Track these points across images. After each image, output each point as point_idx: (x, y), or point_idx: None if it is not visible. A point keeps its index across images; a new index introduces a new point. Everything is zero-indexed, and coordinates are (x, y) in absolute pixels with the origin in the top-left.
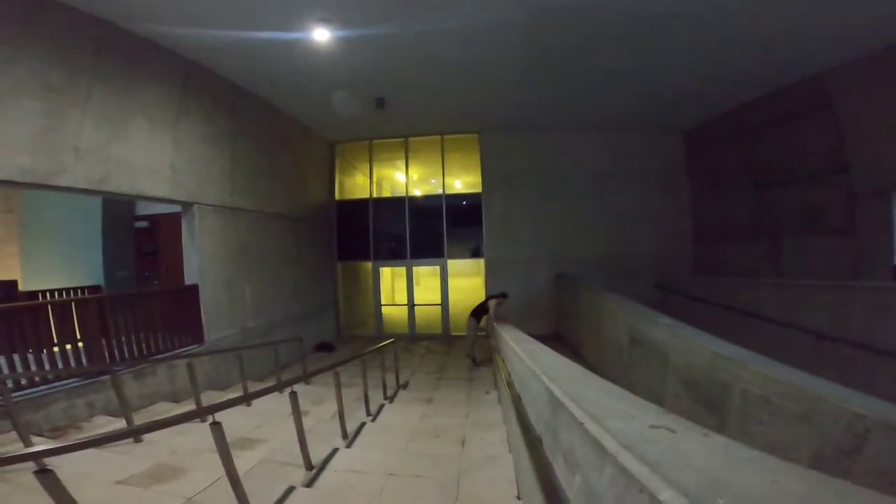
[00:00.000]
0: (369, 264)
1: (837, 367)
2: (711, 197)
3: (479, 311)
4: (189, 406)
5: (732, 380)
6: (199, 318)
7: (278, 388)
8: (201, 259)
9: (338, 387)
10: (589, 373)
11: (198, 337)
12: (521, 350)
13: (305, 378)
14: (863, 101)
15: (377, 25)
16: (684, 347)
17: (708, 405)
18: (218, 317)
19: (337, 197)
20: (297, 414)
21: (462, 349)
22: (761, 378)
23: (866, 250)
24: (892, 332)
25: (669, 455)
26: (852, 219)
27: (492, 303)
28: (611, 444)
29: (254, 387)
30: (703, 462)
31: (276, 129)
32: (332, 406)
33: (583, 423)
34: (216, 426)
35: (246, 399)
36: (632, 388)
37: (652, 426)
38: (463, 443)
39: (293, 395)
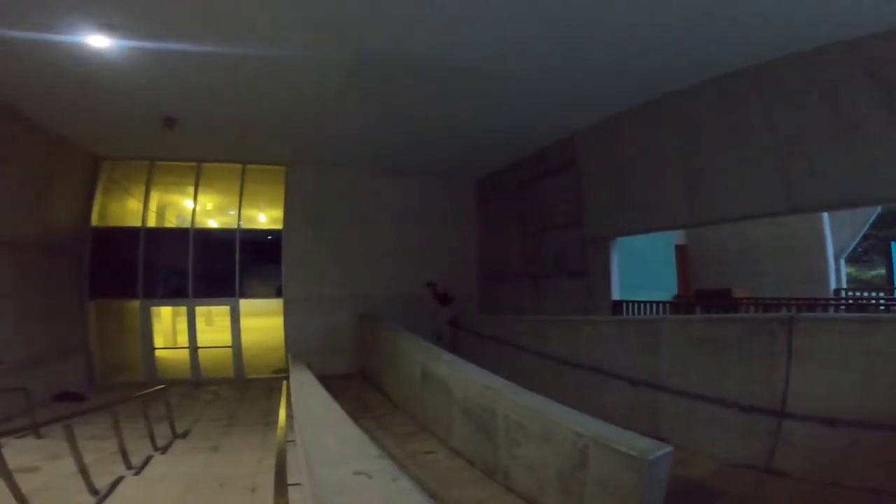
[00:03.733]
0: (137, 303)
1: (576, 387)
2: (494, 241)
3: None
4: None
5: (496, 408)
6: None
7: None
8: None
9: (70, 437)
10: (343, 418)
11: None
12: (296, 394)
13: (34, 430)
14: (592, 162)
15: (175, 41)
16: (461, 380)
17: (483, 431)
18: None
19: (95, 223)
20: (1, 465)
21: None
22: (514, 405)
23: (595, 289)
24: (606, 354)
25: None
26: (585, 263)
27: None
28: (308, 490)
29: None
30: None
31: (10, 134)
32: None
33: (301, 471)
34: None
35: None
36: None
37: (356, 472)
38: (254, 490)
39: None
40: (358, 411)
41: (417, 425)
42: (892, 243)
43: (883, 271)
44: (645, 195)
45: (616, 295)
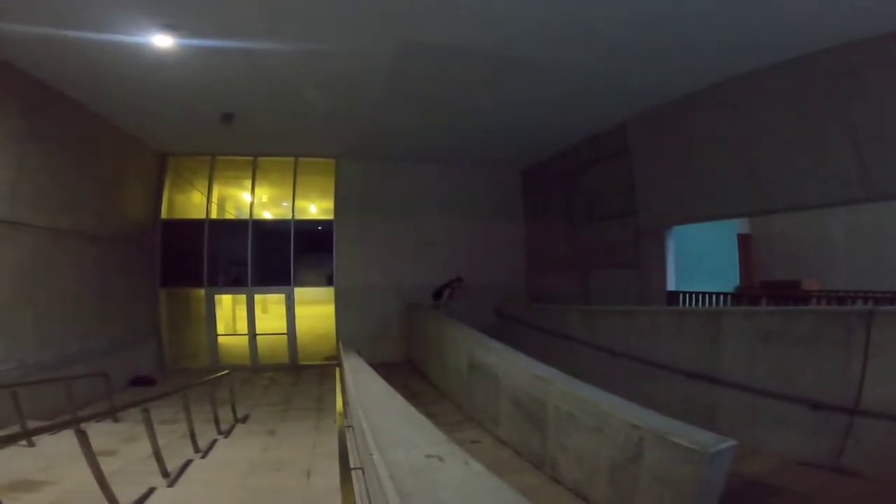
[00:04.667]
0: (202, 291)
1: (628, 379)
2: (540, 230)
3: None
4: None
5: (546, 398)
6: None
7: (67, 424)
8: None
9: (148, 421)
10: (403, 404)
11: None
12: (352, 380)
13: (112, 414)
14: (645, 149)
15: (231, 39)
16: (510, 370)
17: (532, 421)
18: None
19: (164, 216)
20: (87, 449)
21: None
22: (566, 395)
23: (647, 280)
24: (661, 346)
25: (424, 485)
26: (638, 253)
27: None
28: (383, 474)
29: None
30: (447, 493)
31: (90, 135)
32: (147, 444)
33: (372, 454)
34: None
35: (23, 436)
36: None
37: (428, 455)
38: (309, 475)
39: (81, 433)
40: (405, 399)
41: (464, 414)
42: None
43: None
44: (703, 182)
45: (672, 285)
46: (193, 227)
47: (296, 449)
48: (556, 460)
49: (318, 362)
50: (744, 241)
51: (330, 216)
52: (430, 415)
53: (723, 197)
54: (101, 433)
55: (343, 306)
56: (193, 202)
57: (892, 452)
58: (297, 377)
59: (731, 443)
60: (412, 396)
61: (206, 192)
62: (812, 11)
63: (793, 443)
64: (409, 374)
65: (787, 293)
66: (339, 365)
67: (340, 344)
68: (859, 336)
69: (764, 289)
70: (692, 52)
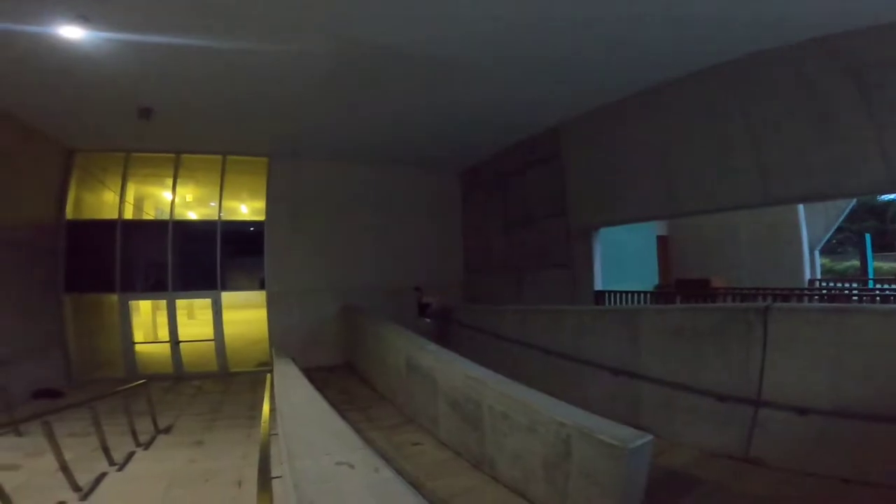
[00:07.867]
0: (115, 297)
1: (560, 376)
2: (478, 232)
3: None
4: None
5: (481, 398)
6: None
7: None
8: None
9: (49, 434)
10: (324, 410)
11: None
12: (279, 387)
13: (14, 428)
14: (576, 153)
15: (154, 33)
16: (446, 371)
17: (469, 422)
18: None
19: (69, 216)
20: None
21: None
22: (499, 395)
23: (578, 279)
24: (588, 344)
25: (328, 494)
26: (569, 254)
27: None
28: (289, 482)
29: None
30: (351, 500)
31: None
32: (54, 458)
33: (282, 463)
34: None
35: None
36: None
37: (338, 462)
38: (240, 484)
39: None
40: (343, 403)
41: (404, 417)
42: (866, 235)
43: (857, 262)
44: (627, 186)
45: (599, 285)
46: (104, 229)
47: (226, 459)
48: (494, 460)
49: (250, 369)
50: (662, 242)
51: (262, 217)
52: (369, 418)
53: (643, 200)
54: (1, 448)
55: (276, 310)
56: (105, 201)
57: (792, 441)
58: (227, 385)
59: (648, 438)
60: (351, 401)
61: (118, 191)
62: (723, 22)
63: (708, 434)
64: (348, 377)
65: (697, 290)
66: (271, 371)
67: (273, 349)
68: (758, 330)
69: (678, 287)
70: (622, 60)
